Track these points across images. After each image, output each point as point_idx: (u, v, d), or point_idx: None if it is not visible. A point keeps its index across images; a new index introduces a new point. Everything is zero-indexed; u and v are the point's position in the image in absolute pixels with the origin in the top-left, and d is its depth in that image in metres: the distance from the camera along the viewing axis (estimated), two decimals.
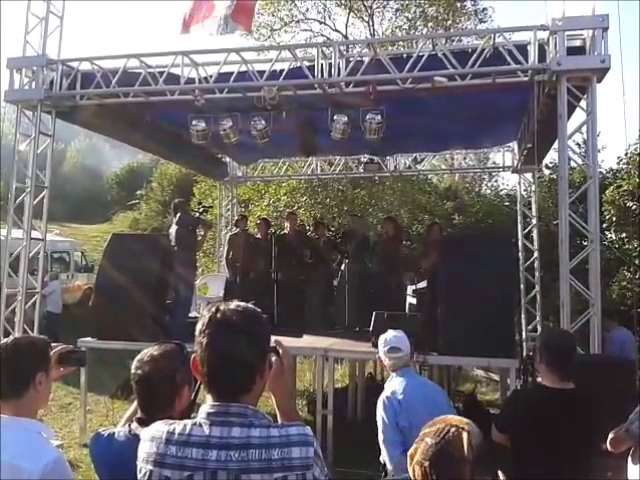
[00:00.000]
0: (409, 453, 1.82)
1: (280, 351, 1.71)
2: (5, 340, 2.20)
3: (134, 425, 2.02)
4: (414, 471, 1.79)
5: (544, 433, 2.64)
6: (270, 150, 9.49)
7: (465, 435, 1.77)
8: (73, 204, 28.05)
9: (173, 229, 7.89)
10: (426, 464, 1.74)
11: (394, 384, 3.64)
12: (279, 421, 1.70)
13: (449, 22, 18.75)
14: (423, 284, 8.39)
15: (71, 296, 15.11)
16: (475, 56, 6.06)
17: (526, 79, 6.13)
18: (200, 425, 1.51)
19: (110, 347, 6.97)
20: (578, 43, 5.96)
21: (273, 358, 1.67)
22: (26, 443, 1.98)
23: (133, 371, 2.09)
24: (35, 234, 7.50)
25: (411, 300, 8.63)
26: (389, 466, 3.48)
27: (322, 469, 1.52)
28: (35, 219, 7.50)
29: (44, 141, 7.55)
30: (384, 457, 3.53)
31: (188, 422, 1.54)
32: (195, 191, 19.77)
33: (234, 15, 6.95)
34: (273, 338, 1.69)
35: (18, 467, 1.91)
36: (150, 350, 2.12)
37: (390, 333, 3.83)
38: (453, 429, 1.78)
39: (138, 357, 2.13)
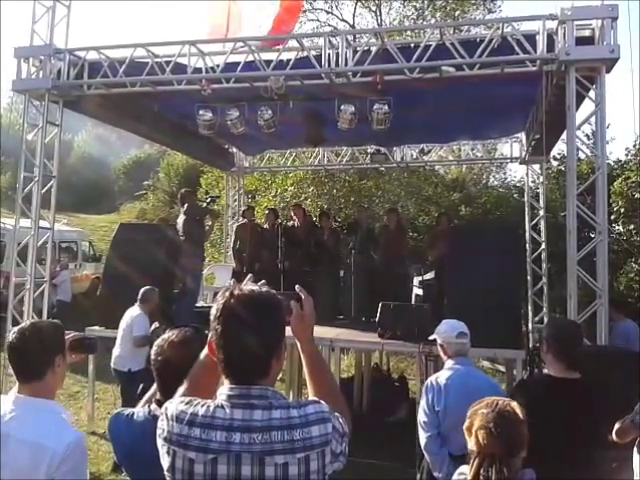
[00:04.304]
0: (465, 427, 1.97)
1: (303, 297, 1.78)
2: (22, 325, 2.26)
3: (153, 406, 2.07)
4: (476, 437, 1.91)
5: (549, 422, 2.65)
6: (277, 140, 9.47)
7: (514, 403, 2.00)
8: (80, 194, 28.11)
9: (181, 219, 7.91)
10: (490, 425, 1.89)
11: (445, 369, 3.75)
12: (304, 364, 1.78)
13: (457, 12, 18.58)
14: (430, 275, 8.40)
15: (79, 286, 15.19)
16: (483, 46, 6.01)
17: (534, 69, 6.08)
18: (222, 407, 1.53)
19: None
20: (587, 33, 5.89)
21: (292, 303, 1.74)
22: (50, 423, 2.08)
23: (153, 357, 2.14)
24: (43, 223, 7.52)
25: (417, 291, 8.65)
26: (422, 445, 3.60)
27: (338, 440, 1.56)
28: (43, 209, 7.51)
29: (52, 131, 7.56)
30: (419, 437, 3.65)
31: (210, 403, 1.55)
32: (202, 182, 19.73)
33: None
34: (297, 286, 1.80)
35: (43, 446, 2.00)
36: (170, 336, 2.16)
37: (452, 321, 3.92)
38: (501, 401, 2.01)
39: (157, 342, 2.17)
